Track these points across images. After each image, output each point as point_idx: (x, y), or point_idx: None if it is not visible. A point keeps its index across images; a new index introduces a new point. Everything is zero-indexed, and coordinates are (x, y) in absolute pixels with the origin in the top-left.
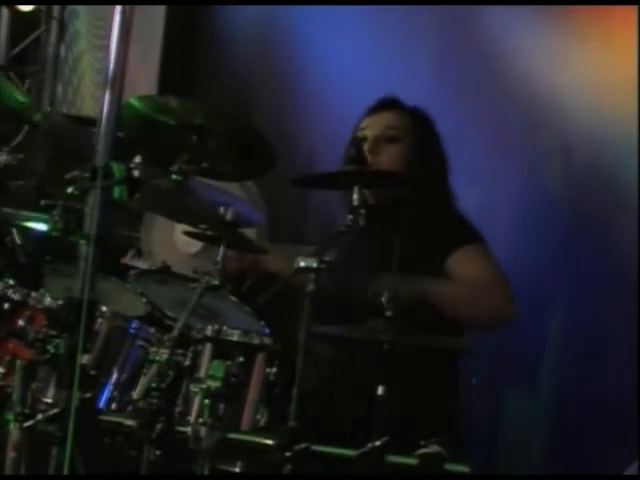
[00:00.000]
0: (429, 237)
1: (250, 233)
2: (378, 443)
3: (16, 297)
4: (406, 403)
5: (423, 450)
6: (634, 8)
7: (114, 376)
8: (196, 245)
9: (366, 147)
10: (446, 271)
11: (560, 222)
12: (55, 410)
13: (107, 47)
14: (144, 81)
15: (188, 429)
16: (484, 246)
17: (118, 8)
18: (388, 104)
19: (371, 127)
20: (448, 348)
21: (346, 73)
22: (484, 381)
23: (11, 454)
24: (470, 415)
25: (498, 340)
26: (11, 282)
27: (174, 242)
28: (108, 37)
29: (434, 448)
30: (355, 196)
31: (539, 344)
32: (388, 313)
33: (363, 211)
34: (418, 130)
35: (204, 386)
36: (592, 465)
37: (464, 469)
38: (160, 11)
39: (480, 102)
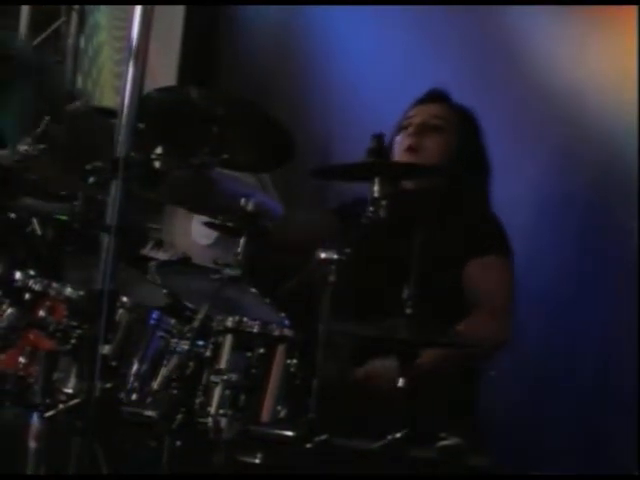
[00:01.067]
0: (455, 235)
1: None
2: (399, 435)
3: (37, 288)
4: (425, 395)
5: (443, 442)
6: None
7: (135, 367)
8: (210, 236)
9: (410, 131)
10: (463, 276)
11: (578, 216)
12: (76, 400)
13: (128, 37)
14: (164, 73)
15: (208, 420)
16: (506, 260)
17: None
18: (436, 96)
19: (417, 115)
20: (468, 345)
21: (366, 65)
22: (501, 374)
23: (32, 444)
24: (488, 408)
25: (515, 333)
26: (32, 273)
27: (190, 233)
28: (129, 27)
29: (454, 440)
30: (375, 188)
31: (555, 338)
32: (408, 310)
33: (384, 203)
34: (463, 125)
35: (224, 377)
36: (608, 461)
37: (483, 461)
38: (179, 5)
39: (498, 97)
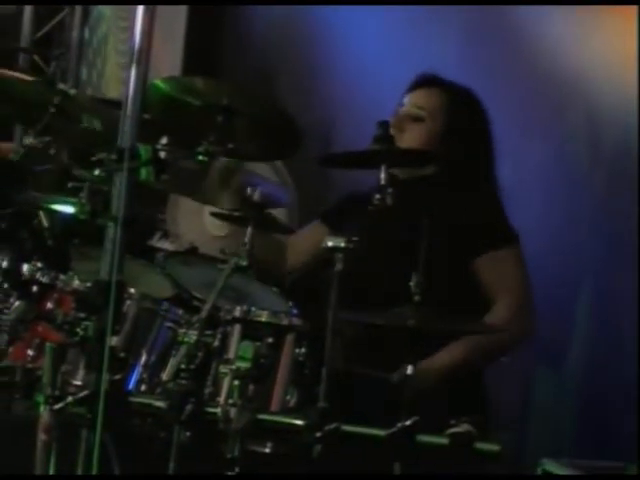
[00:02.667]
0: (459, 229)
1: (281, 214)
2: (408, 423)
3: (44, 280)
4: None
5: (453, 429)
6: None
7: (143, 358)
8: (225, 227)
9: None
10: (474, 272)
11: (586, 203)
12: (85, 392)
13: (132, 28)
14: (168, 63)
15: (218, 410)
16: (515, 250)
17: None
18: (423, 82)
19: (404, 106)
20: (477, 332)
21: (369, 54)
22: (513, 360)
23: (41, 437)
24: (499, 394)
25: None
26: (39, 265)
27: (202, 223)
28: (133, 18)
29: (464, 427)
30: (382, 175)
31: (567, 324)
32: (416, 298)
33: (390, 190)
34: (452, 109)
35: (233, 367)
36: (618, 447)
37: (495, 448)
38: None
39: (505, 82)
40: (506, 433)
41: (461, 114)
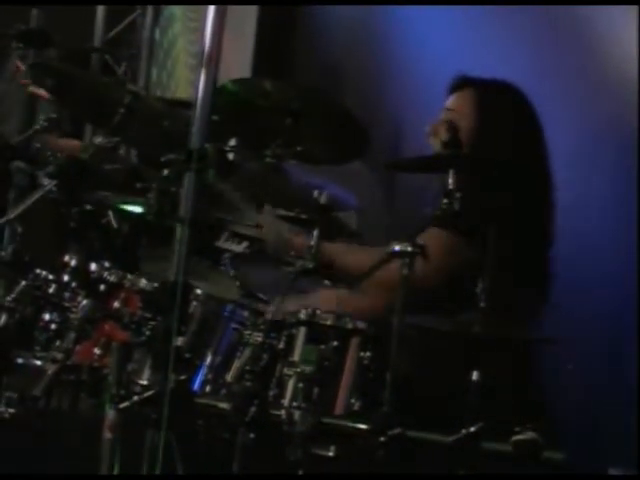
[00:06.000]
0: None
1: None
2: (473, 429)
3: (112, 279)
4: (497, 389)
5: (518, 436)
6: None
7: (208, 359)
8: None
9: None
10: None
11: None
12: (150, 392)
13: (202, 29)
14: (238, 63)
15: (282, 413)
16: None
17: None
18: (456, 85)
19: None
20: (541, 340)
21: (440, 57)
22: (577, 366)
23: (107, 435)
24: (565, 401)
25: (592, 326)
26: (107, 264)
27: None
28: (203, 19)
29: (529, 434)
30: (450, 180)
31: (633, 331)
32: (481, 304)
33: (458, 195)
34: (483, 105)
35: (298, 370)
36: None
37: (559, 456)
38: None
39: (575, 87)
40: (569, 439)
41: (493, 109)
